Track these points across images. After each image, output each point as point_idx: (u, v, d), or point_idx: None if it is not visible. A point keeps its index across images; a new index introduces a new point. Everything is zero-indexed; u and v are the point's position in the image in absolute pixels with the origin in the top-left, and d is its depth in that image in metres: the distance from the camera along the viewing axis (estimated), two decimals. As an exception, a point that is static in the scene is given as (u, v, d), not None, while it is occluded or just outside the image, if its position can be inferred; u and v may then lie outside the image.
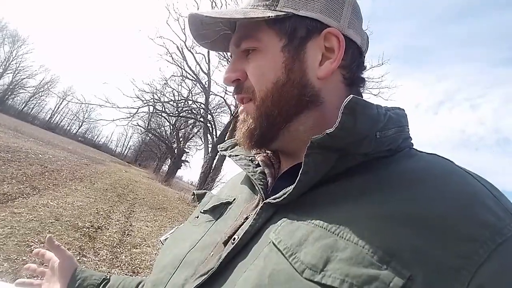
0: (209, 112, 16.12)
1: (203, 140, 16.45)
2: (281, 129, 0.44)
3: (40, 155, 9.12)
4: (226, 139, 14.19)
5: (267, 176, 0.47)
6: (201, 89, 16.89)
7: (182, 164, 27.92)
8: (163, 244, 1.12)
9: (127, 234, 4.60)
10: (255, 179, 0.46)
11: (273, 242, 0.34)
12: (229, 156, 0.53)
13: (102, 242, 3.77)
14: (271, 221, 0.38)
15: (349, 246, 0.30)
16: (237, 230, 0.40)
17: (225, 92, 17.04)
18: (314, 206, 0.37)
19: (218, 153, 13.44)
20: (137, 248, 4.10)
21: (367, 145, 0.37)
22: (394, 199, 0.33)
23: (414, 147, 0.43)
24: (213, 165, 13.86)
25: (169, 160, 31.13)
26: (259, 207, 0.40)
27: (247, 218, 0.41)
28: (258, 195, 0.44)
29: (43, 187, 5.34)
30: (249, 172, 0.48)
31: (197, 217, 0.54)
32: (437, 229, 0.29)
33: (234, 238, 0.39)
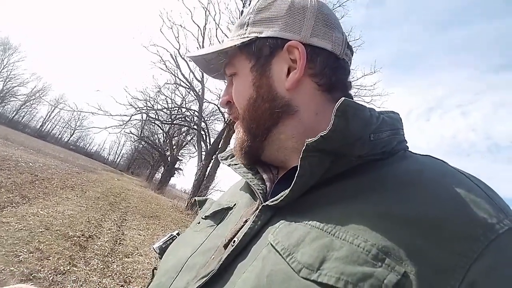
0: (202, 119, 16.08)
1: (196, 147, 16.41)
2: (264, 140, 0.48)
3: (30, 164, 8.97)
4: (219, 146, 14.18)
5: (265, 181, 0.49)
6: (195, 96, 16.87)
7: (175, 172, 27.74)
8: (156, 252, 1.11)
9: (119, 243, 4.52)
10: (253, 184, 0.47)
11: (271, 244, 0.35)
12: (229, 165, 0.56)
13: (93, 251, 3.70)
14: (270, 223, 0.39)
15: (344, 245, 0.31)
16: (237, 233, 0.41)
17: (219, 100, 17.02)
18: (311, 207, 0.37)
19: (212, 161, 13.42)
20: (129, 257, 4.03)
21: (361, 147, 0.37)
22: (389, 199, 0.34)
23: (409, 150, 0.44)
24: (207, 173, 13.78)
25: (162, 168, 30.91)
26: (258, 210, 0.41)
27: (246, 221, 0.42)
28: (257, 199, 0.45)
29: (33, 196, 5.24)
30: (248, 178, 0.49)
31: (199, 223, 0.55)
32: (431, 227, 0.30)
33: (234, 241, 0.39)
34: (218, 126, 20.96)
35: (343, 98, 0.35)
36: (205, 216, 0.54)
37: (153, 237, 5.64)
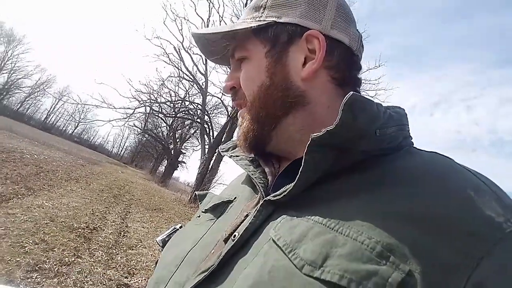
0: (206, 113, 16.08)
1: (199, 141, 16.41)
2: (272, 130, 0.47)
3: (35, 156, 9.05)
4: (223, 140, 14.20)
5: (267, 174, 0.48)
6: (198, 90, 16.85)
7: (179, 165, 27.87)
8: (159, 245, 1.12)
9: (123, 235, 4.57)
10: (255, 177, 0.46)
11: (272, 239, 0.35)
12: (230, 156, 0.55)
13: (98, 243, 3.74)
14: (271, 218, 0.38)
15: (348, 242, 0.30)
16: (237, 228, 0.40)
17: (222, 93, 17.02)
18: (314, 203, 0.37)
19: (215, 154, 13.44)
20: (133, 249, 4.07)
21: (367, 142, 0.37)
22: (394, 196, 0.33)
23: (414, 146, 0.44)
24: (210, 166, 13.82)
25: (166, 161, 31.06)
26: (259, 204, 0.40)
27: (247, 215, 0.41)
28: (259, 193, 0.44)
29: (38, 187, 5.30)
30: (249, 171, 0.48)
31: (199, 216, 0.55)
32: (436, 225, 0.29)
33: (235, 236, 0.39)
34: (221, 120, 20.96)
35: (351, 92, 0.34)
36: (205, 209, 0.54)
37: (156, 230, 5.69)
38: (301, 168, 0.36)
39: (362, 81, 0.51)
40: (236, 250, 0.38)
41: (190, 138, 30.85)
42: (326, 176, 0.38)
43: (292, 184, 0.37)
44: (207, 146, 14.40)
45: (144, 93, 18.06)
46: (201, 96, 16.73)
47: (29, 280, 2.32)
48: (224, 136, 13.96)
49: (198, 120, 16.33)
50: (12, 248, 2.70)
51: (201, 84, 16.43)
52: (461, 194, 0.32)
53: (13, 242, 2.83)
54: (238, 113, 0.52)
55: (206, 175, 13.63)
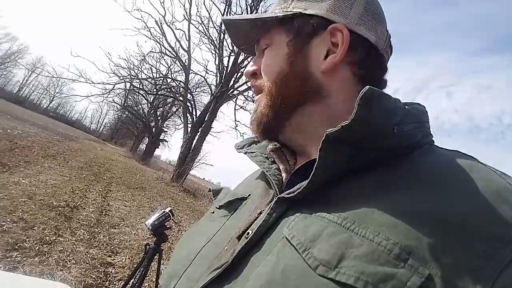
0: (188, 91, 15.72)
1: (182, 119, 16.16)
2: (286, 120, 0.46)
3: (8, 130, 8.63)
4: (205, 119, 14.00)
5: (282, 172, 0.48)
6: (181, 67, 16.36)
7: (160, 143, 27.47)
8: (149, 229, 1.09)
9: (105, 214, 4.50)
10: (269, 174, 0.46)
11: (286, 237, 0.34)
12: (245, 153, 0.55)
13: (79, 222, 3.67)
14: (285, 216, 0.38)
15: (364, 243, 0.29)
16: (251, 225, 0.40)
17: (206, 71, 16.67)
18: (329, 201, 0.36)
19: (198, 133, 13.30)
20: (115, 228, 4.04)
21: (384, 139, 0.36)
22: (413, 195, 0.32)
23: (435, 144, 0.43)
24: (193, 146, 13.69)
25: (147, 139, 30.50)
26: (273, 202, 0.40)
27: (261, 213, 0.41)
28: (273, 190, 0.44)
29: (13, 164, 5.07)
30: (264, 167, 0.48)
31: (213, 212, 0.55)
32: (458, 227, 0.28)
33: (248, 233, 0.38)
34: (205, 99, 20.62)
35: (368, 86, 0.33)
36: (219, 205, 0.54)
37: (139, 209, 5.64)
38: (315, 165, 0.35)
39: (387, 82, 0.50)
40: (250, 248, 0.37)
41: (172, 116, 30.31)
42: (342, 174, 0.37)
43: (306, 181, 0.36)
44: (189, 125, 14.19)
45: (123, 68, 17.51)
46: (184, 73, 16.31)
47: (8, 259, 2.26)
48: (207, 116, 13.78)
49: (181, 98, 15.98)
50: (-11, 227, 2.60)
51: (184, 61, 15.96)
52: (485, 195, 0.30)
53: (-10, 220, 2.73)
54: (255, 99, 0.52)
55: (189, 154, 13.52)
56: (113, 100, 23.20)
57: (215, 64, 14.26)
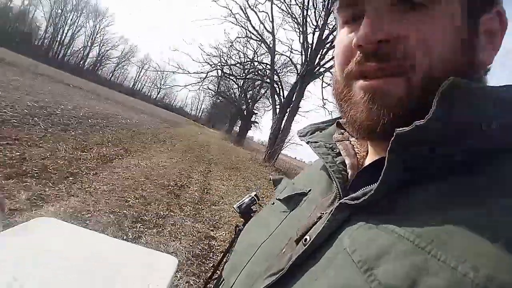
0: (275, 72, 15.86)
1: (270, 101, 16.46)
2: (413, 117, 0.29)
3: (128, 120, 10.25)
4: (293, 99, 13.97)
5: (347, 167, 0.41)
6: (266, 49, 16.57)
7: (252, 125, 28.72)
8: (237, 211, 1.13)
9: (206, 192, 4.99)
10: (333, 171, 0.40)
11: (347, 251, 0.29)
12: (307, 142, 0.49)
13: (186, 199, 4.16)
14: (348, 223, 0.33)
15: (443, 270, 0.23)
16: (309, 229, 0.36)
17: (290, 51, 16.46)
18: (401, 210, 0.29)
19: (286, 114, 13.37)
20: (216, 205, 4.44)
21: (470, 139, 0.28)
22: (511, 211, 0.24)
23: None
24: (282, 126, 13.89)
25: (240, 121, 32.24)
26: (334, 205, 0.35)
27: (320, 216, 0.36)
28: (335, 189, 0.39)
29: (133, 149, 6.04)
30: (327, 162, 0.42)
31: (273, 204, 0.52)
32: None
33: (306, 239, 0.35)
34: (291, 79, 20.53)
35: (452, 78, 0.26)
36: (278, 198, 0.50)
37: (235, 188, 6.07)
38: (384, 168, 0.29)
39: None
40: (307, 257, 0.34)
41: (261, 99, 31.21)
42: (419, 178, 0.30)
43: (374, 187, 0.30)
44: (278, 106, 14.38)
45: (214, 56, 18.56)
46: (270, 55, 16.46)
47: (134, 229, 2.72)
48: (294, 95, 13.71)
49: (268, 80, 16.25)
50: (119, 202, 3.17)
51: (268, 43, 16.07)
52: None
53: (119, 197, 3.32)
54: (366, 83, 0.34)
55: (279, 135, 13.79)
56: (207, 87, 25.08)
57: (300, 43, 13.93)
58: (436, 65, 0.31)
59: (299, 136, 0.53)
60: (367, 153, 0.43)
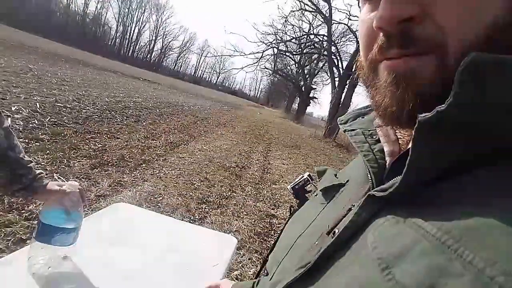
0: (332, 43, 15.06)
1: (328, 74, 15.79)
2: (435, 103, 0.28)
3: (191, 107, 10.85)
4: (353, 70, 13.23)
5: (386, 155, 0.38)
6: (322, 19, 15.75)
7: (311, 101, 28.07)
8: (291, 192, 1.16)
9: (267, 172, 5.11)
10: (367, 160, 0.38)
11: (369, 247, 0.28)
12: (344, 131, 0.46)
13: (247, 180, 4.33)
14: (377, 216, 0.31)
15: (468, 273, 0.20)
16: (339, 222, 0.35)
17: (348, 18, 15.37)
18: (430, 205, 0.27)
19: (346, 86, 12.74)
20: (276, 184, 4.53)
21: (506, 124, 0.24)
22: None
23: None
24: (342, 99, 13.31)
25: (298, 98, 31.74)
26: (364, 198, 0.33)
27: (350, 209, 0.35)
28: (369, 181, 0.36)
29: (197, 134, 6.42)
30: (363, 150, 0.39)
31: (316, 195, 0.51)
32: None
33: (335, 232, 0.34)
34: (350, 48, 19.26)
35: (473, 54, 0.22)
36: (320, 189, 0.49)
37: (295, 166, 6.10)
38: (408, 159, 0.27)
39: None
40: (335, 250, 0.33)
41: (319, 73, 30.10)
42: (452, 170, 0.27)
43: (400, 178, 0.28)
44: (337, 79, 13.76)
45: (269, 34, 18.33)
46: (326, 26, 15.62)
47: (200, 210, 2.95)
48: (354, 66, 12.90)
49: (325, 52, 15.54)
50: (186, 185, 3.45)
51: (324, 13, 15.23)
52: None
53: (186, 180, 3.61)
54: (391, 63, 0.30)
55: (339, 109, 13.27)
56: (264, 66, 25.09)
57: (358, 7, 12.91)
58: (471, 44, 0.26)
59: (339, 124, 0.49)
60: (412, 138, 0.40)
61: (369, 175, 0.36)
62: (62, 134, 3.73)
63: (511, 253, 0.19)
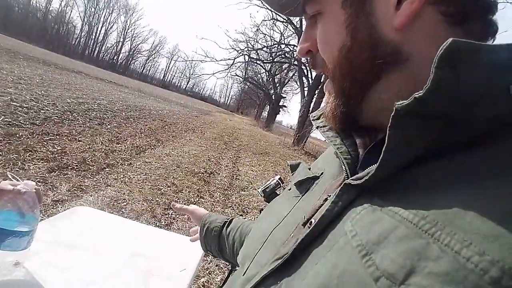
0: (303, 53, 15.48)
1: (298, 83, 16.19)
2: (360, 102, 0.36)
3: (159, 111, 10.58)
4: (322, 80, 13.67)
5: (358, 147, 0.40)
6: (293, 30, 16.17)
7: (280, 109, 28.52)
8: (261, 195, 1.16)
9: (235, 178, 5.09)
10: (340, 152, 0.39)
11: (348, 234, 0.29)
12: (317, 127, 0.47)
13: (215, 186, 4.28)
14: (353, 205, 0.31)
15: (445, 255, 0.21)
16: (316, 212, 0.36)
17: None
18: (407, 191, 0.28)
19: (315, 96, 13.12)
20: (245, 191, 4.52)
21: (490, 106, 0.25)
22: None
23: None
24: (311, 108, 13.67)
25: (268, 106, 32.13)
26: (340, 187, 0.34)
27: (326, 199, 0.36)
28: (343, 172, 0.37)
29: (165, 139, 6.26)
30: (335, 144, 0.40)
31: (290, 189, 0.51)
32: None
33: (311, 222, 0.34)
34: (319, 59, 19.91)
35: (450, 39, 0.23)
36: (294, 183, 0.49)
37: (264, 173, 6.12)
38: (384, 146, 0.27)
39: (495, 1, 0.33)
40: (312, 239, 0.33)
41: (289, 82, 30.76)
42: (429, 156, 0.28)
43: (375, 166, 0.29)
44: (306, 89, 14.12)
45: (241, 41, 18.49)
46: (297, 36, 16.06)
47: (167, 215, 2.86)
48: (323, 76, 13.34)
49: (295, 62, 15.94)
50: (152, 190, 3.34)
51: (295, 24, 15.66)
52: None
53: (152, 185, 3.49)
54: (325, 86, 0.42)
55: (307, 117, 13.59)
56: (235, 73, 25.12)
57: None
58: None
59: (311, 120, 0.50)
60: (378, 131, 0.41)
61: (343, 166, 0.37)
62: (17, 135, 3.47)
63: (485, 233, 0.20)
